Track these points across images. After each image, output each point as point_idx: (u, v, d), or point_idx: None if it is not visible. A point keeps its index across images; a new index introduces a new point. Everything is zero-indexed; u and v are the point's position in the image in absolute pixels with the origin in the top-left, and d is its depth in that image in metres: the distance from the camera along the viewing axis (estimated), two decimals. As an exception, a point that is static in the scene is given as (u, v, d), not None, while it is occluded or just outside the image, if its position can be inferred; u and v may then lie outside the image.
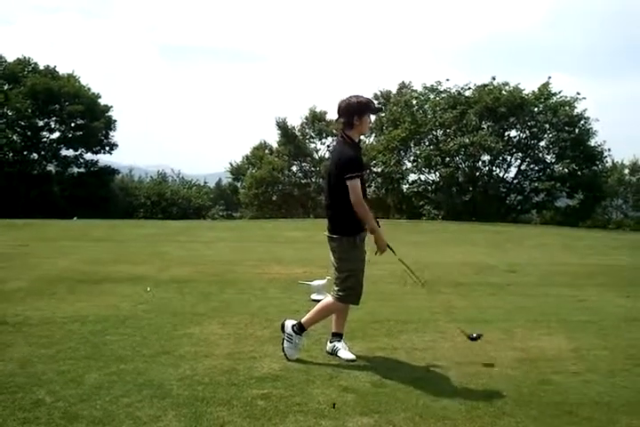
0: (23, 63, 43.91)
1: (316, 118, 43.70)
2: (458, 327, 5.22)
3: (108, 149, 44.86)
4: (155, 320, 6.24)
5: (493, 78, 34.77)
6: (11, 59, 43.85)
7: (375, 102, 6.03)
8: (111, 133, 44.80)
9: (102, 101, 44.89)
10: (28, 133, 42.87)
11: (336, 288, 4.96)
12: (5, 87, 41.71)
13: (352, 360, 4.97)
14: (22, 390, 4.13)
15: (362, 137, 5.35)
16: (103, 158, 46.33)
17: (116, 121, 45.05)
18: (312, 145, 44.31)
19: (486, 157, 34.86)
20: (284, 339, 5.06)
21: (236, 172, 47.25)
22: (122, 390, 4.19)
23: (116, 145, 45.15)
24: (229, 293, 7.97)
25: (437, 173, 35.27)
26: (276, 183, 42.50)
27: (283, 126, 43.49)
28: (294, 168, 44.42)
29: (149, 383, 4.33)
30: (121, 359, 4.86)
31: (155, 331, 5.79)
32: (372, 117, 5.26)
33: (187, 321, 6.22)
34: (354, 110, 4.92)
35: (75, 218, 27.13)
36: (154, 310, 6.73)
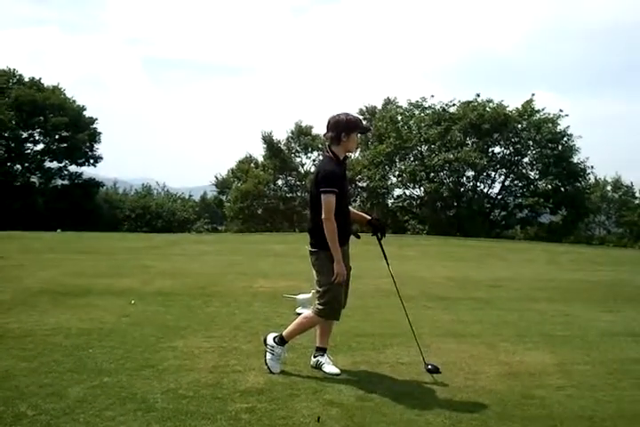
0: (8, 74, 43.76)
1: (301, 133, 43.85)
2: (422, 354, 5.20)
3: (92, 161, 44.69)
4: (139, 333, 6.20)
5: (477, 95, 35.15)
6: (-5, 70, 43.70)
7: (364, 122, 6.06)
8: (96, 146, 44.69)
9: (87, 114, 44.82)
10: (12, 145, 42.64)
11: (316, 302, 4.98)
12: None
13: (337, 374, 4.97)
14: (4, 404, 4.08)
15: (349, 154, 5.35)
16: (87, 171, 46.16)
17: (100, 133, 44.98)
18: (298, 159, 44.43)
19: (470, 173, 35.15)
20: (266, 351, 5.06)
21: (222, 185, 47.23)
22: (105, 403, 4.15)
23: (101, 158, 45.02)
24: (214, 306, 7.94)
25: (422, 188, 35.47)
26: (261, 197, 42.48)
27: (268, 140, 43.58)
28: (280, 182, 44.46)
29: (133, 397, 4.29)
30: (105, 373, 4.82)
31: (139, 344, 5.75)
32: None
33: (171, 334, 6.19)
34: (342, 127, 4.94)
35: (58, 230, 26.94)
36: (138, 323, 6.69)
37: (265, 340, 5.15)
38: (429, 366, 5.06)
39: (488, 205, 36.20)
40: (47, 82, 44.81)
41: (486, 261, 16.51)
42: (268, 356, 5.04)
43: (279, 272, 11.55)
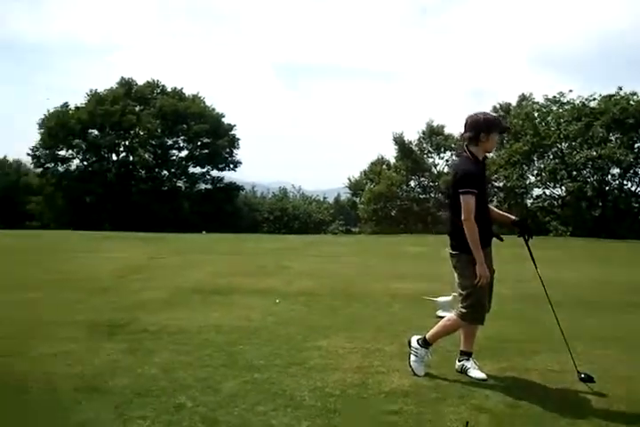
0: (152, 86, 46.83)
1: (433, 132, 43.26)
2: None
3: (232, 166, 46.73)
4: (284, 332, 6.40)
5: (620, 88, 32.97)
6: (141, 82, 46.87)
7: (504, 121, 5.88)
8: (235, 151, 46.66)
9: (226, 120, 46.87)
10: (159, 152, 45.52)
11: (459, 305, 4.89)
12: (137, 109, 44.56)
13: (483, 379, 4.86)
14: (165, 394, 4.37)
15: (488, 154, 5.21)
16: (228, 175, 48.32)
17: (239, 139, 46.90)
18: (430, 160, 43.90)
19: (616, 171, 33.01)
20: (410, 353, 5.05)
21: (355, 187, 47.61)
22: (257, 398, 4.33)
23: (240, 162, 47.01)
24: (355, 307, 8.05)
25: (564, 187, 33.81)
26: (394, 198, 42.39)
27: (400, 141, 43.38)
28: (412, 183, 44.13)
29: (282, 393, 4.44)
30: (255, 369, 5.02)
31: (285, 342, 5.94)
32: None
33: (315, 334, 6.33)
34: (481, 127, 4.82)
35: (203, 232, 28.41)
36: (283, 322, 6.91)
37: (409, 342, 5.14)
38: (582, 375, 4.81)
39: (636, 205, 33.86)
40: (188, 91, 47.44)
41: (637, 263, 15.47)
42: (412, 358, 5.03)
43: (417, 274, 11.46)
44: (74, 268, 11.83)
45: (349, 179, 47.93)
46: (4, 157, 62.92)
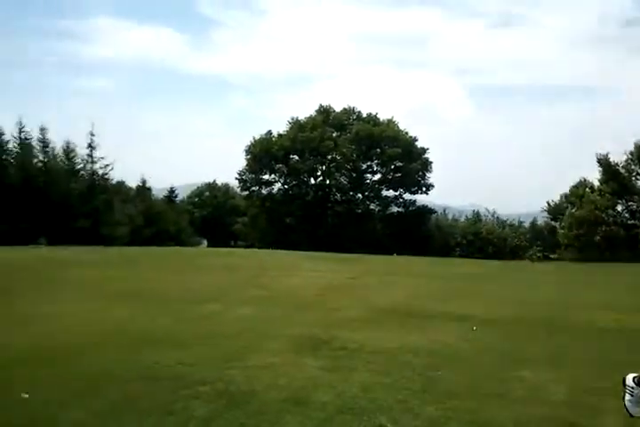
0: (348, 112, 48.40)
1: (644, 153, 39.77)
2: None
3: (424, 189, 46.65)
4: (483, 359, 6.22)
5: None
6: (338, 108, 48.67)
7: None
8: (427, 175, 46.55)
9: (418, 144, 47.00)
10: (353, 175, 46.78)
11: None
12: (334, 135, 46.29)
13: None
14: (366, 414, 4.42)
15: None
16: (420, 198, 48.29)
17: (432, 162, 46.74)
18: (639, 182, 40.35)
19: None
20: (624, 392, 4.63)
21: (554, 211, 45.19)
22: (457, 426, 4.23)
23: (432, 185, 46.75)
24: (558, 337, 7.60)
25: None
26: (598, 224, 39.54)
27: (605, 163, 40.47)
28: (619, 207, 40.90)
29: (485, 424, 4.30)
30: (455, 396, 4.92)
31: (484, 370, 5.76)
32: None
33: (516, 364, 6.06)
34: None
35: (394, 254, 28.60)
36: (481, 350, 6.72)
37: (624, 380, 4.73)
38: None
39: None
40: (382, 116, 48.33)
41: None
42: (627, 397, 4.59)
43: (630, 305, 10.55)
44: (280, 285, 12.50)
45: (548, 203, 45.65)
46: (214, 181, 68.93)
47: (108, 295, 10.24)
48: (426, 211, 47.58)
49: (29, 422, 4.13)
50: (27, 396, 4.64)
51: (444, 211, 53.40)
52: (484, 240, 43.01)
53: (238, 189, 53.52)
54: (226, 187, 67.23)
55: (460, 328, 7.99)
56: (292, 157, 46.91)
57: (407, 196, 47.26)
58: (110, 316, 8.35)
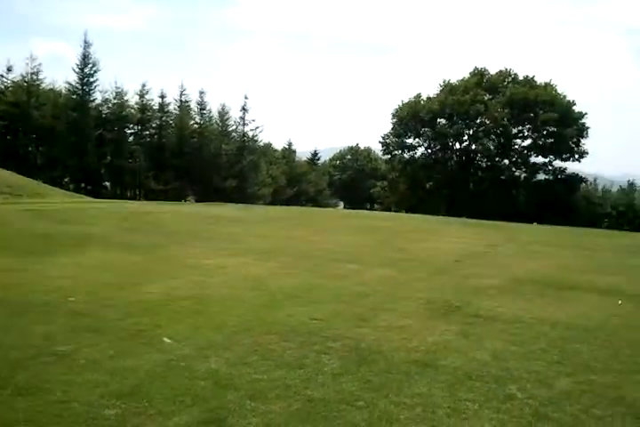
0: (504, 75, 46.32)
1: None
2: None
3: (577, 156, 44.05)
4: (626, 335, 5.92)
5: None
6: (493, 71, 46.79)
7: None
8: (582, 141, 43.86)
9: (576, 108, 44.25)
10: (502, 141, 45.03)
11: None
12: (485, 98, 44.65)
13: None
14: (496, 382, 4.39)
15: None
16: (571, 166, 45.71)
17: (588, 128, 43.88)
18: None
19: None
20: None
21: None
22: (592, 401, 4.10)
23: (586, 153, 43.96)
24: None
25: None
26: None
27: None
28: None
29: (621, 400, 4.14)
30: (591, 370, 4.75)
31: (629, 347, 5.48)
32: None
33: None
34: None
35: (534, 223, 27.50)
36: (625, 325, 6.40)
37: None
38: None
39: None
40: (540, 79, 45.86)
41: None
42: None
43: None
44: (417, 249, 12.50)
45: None
46: (357, 144, 69.29)
47: (250, 251, 10.73)
48: (575, 179, 44.92)
49: (166, 370, 4.40)
50: (169, 341, 5.02)
51: (595, 180, 50.24)
52: (637, 212, 40.13)
53: (380, 153, 53.45)
54: (368, 151, 67.41)
55: (604, 302, 7.63)
56: (439, 120, 45.94)
57: (557, 163, 44.83)
58: (251, 271, 8.75)
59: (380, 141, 48.55)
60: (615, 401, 4.11)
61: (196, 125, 40.44)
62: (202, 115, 40.14)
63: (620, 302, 7.64)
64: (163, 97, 39.23)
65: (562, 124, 42.66)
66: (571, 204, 41.91)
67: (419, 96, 47.13)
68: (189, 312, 6.04)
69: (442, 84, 47.08)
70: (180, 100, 39.46)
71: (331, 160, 69.54)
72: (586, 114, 44.09)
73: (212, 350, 4.83)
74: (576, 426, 3.70)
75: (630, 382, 4.50)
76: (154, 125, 40.06)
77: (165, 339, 5.05)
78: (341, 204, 62.34)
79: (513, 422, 3.72)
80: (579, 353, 5.21)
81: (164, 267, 8.69)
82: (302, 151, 63.93)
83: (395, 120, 46.94)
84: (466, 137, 45.92)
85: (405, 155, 47.92)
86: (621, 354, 5.24)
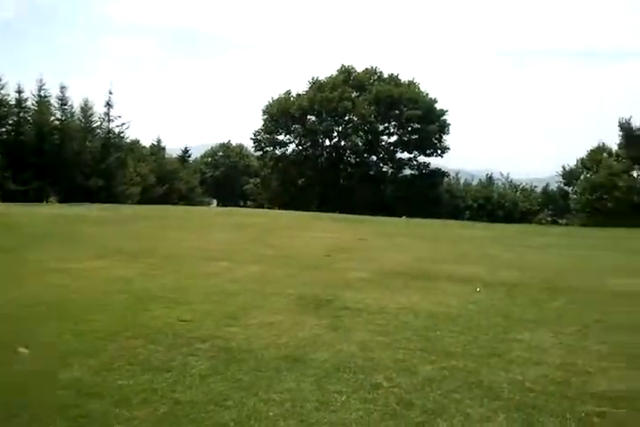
0: (370, 73, 47.67)
1: (666, 118, 39.10)
2: None
3: (439, 152, 46.21)
4: (484, 321, 6.26)
5: None
6: (360, 69, 47.99)
7: None
8: (444, 137, 46.04)
9: (438, 106, 46.37)
10: (369, 137, 46.37)
11: None
12: (353, 95, 45.75)
13: None
14: (363, 372, 4.50)
15: None
16: (434, 161, 47.88)
17: (450, 125, 46.15)
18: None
19: None
20: None
21: (569, 176, 44.60)
22: (452, 385, 4.29)
23: (448, 148, 46.26)
24: (560, 301, 7.61)
25: None
26: (613, 189, 39.06)
27: (626, 127, 39.71)
28: (635, 173, 40.27)
29: (479, 383, 4.36)
30: (452, 356, 4.98)
31: (484, 332, 5.81)
32: None
33: (517, 326, 6.11)
34: None
35: (404, 217, 28.59)
36: (483, 311, 6.76)
37: None
38: None
39: None
40: (404, 77, 47.59)
41: None
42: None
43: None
44: (288, 244, 12.58)
45: (564, 167, 45.02)
46: (228, 141, 68.74)
47: (117, 253, 10.36)
48: (438, 174, 47.19)
49: (29, 379, 4.18)
50: (26, 351, 4.73)
51: (457, 174, 52.99)
52: (494, 204, 42.82)
53: (252, 150, 53.35)
54: (240, 147, 67.09)
55: (464, 290, 8.04)
56: (309, 117, 46.49)
57: (421, 158, 46.87)
58: (117, 273, 8.45)
59: (251, 138, 48.50)
60: (474, 384, 4.32)
61: (56, 122, 38.34)
62: (63, 110, 38.11)
63: (478, 289, 8.08)
64: (20, 92, 36.89)
65: (425, 121, 44.60)
66: (435, 197, 43.93)
67: (288, 93, 47.51)
68: (51, 318, 5.72)
69: (310, 80, 47.68)
70: (39, 95, 37.26)
71: (202, 157, 68.51)
72: (447, 111, 46.39)
73: (76, 357, 4.61)
74: (438, 411, 3.84)
75: (487, 367, 4.74)
76: (10, 122, 37.60)
77: (21, 349, 4.74)
78: (214, 202, 61.60)
79: (379, 410, 3.81)
80: (440, 340, 5.45)
81: (23, 271, 8.19)
82: (172, 148, 62.33)
83: (265, 117, 47.04)
84: (335, 134, 46.88)
85: (277, 151, 48.18)
86: (479, 339, 5.53)
